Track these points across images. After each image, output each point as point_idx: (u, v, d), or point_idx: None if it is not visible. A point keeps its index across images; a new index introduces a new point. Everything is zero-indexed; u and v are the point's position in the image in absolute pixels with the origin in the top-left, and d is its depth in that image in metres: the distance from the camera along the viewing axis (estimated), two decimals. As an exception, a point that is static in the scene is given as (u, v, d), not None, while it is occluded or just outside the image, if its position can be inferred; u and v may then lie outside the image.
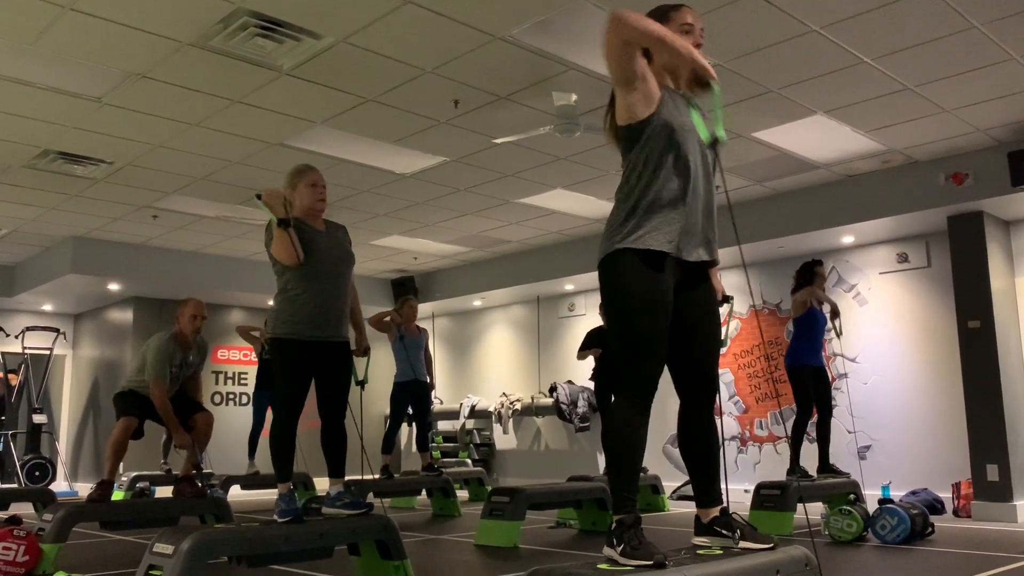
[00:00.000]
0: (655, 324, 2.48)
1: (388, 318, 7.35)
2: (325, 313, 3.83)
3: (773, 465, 8.20)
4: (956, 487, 6.80)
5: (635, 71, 2.47)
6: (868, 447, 7.61)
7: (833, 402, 6.45)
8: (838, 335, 6.44)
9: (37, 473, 9.98)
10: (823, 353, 6.50)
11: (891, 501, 5.32)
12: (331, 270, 3.87)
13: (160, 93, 5.25)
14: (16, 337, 10.65)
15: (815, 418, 6.27)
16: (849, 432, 7.59)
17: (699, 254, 2.56)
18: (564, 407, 9.81)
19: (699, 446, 2.63)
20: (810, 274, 6.41)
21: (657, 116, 2.52)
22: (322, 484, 5.34)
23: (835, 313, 6.34)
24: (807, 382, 6.18)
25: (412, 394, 7.37)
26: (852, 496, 5.98)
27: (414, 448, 11.39)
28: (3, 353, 10.74)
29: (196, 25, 4.40)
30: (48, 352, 10.94)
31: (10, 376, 10.76)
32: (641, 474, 3.60)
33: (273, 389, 7.90)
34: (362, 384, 4.03)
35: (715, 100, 2.50)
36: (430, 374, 7.73)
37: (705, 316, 2.63)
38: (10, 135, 5.95)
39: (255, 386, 8.39)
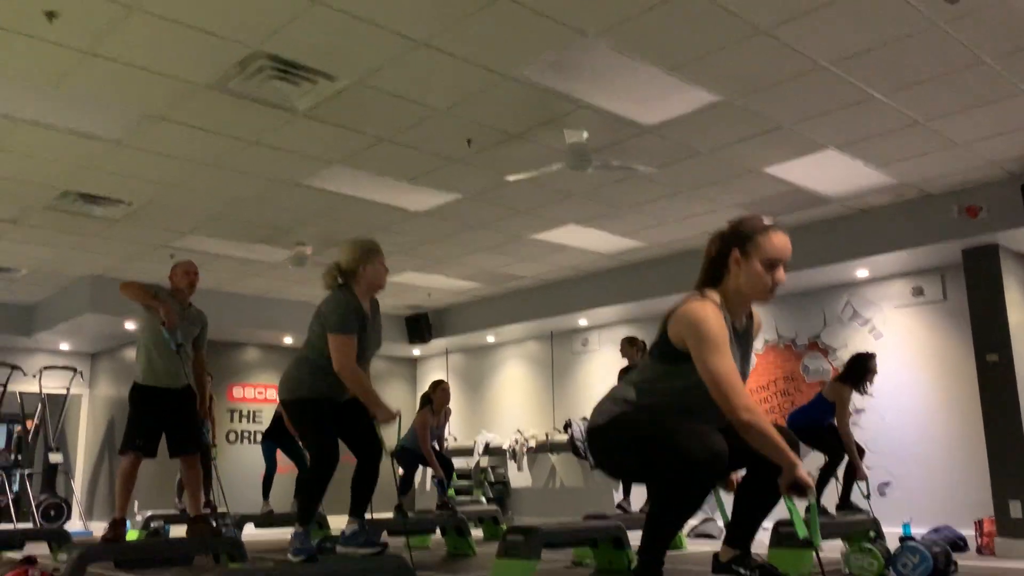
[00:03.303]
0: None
1: (427, 426, 7.26)
2: (344, 388, 3.95)
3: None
4: (979, 524, 6.68)
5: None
6: (887, 483, 7.50)
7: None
8: (866, 496, 6.21)
9: (52, 513, 9.97)
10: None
11: (912, 539, 5.23)
12: (365, 357, 3.99)
13: (178, 135, 5.34)
14: (34, 377, 10.72)
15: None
16: (868, 468, 7.49)
17: None
18: (579, 444, 9.73)
19: (762, 502, 2.61)
20: (863, 370, 6.21)
21: None
22: (336, 523, 5.30)
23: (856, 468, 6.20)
24: (824, 437, 6.13)
25: (419, 460, 7.40)
26: (872, 533, 5.88)
27: (428, 487, 11.31)
28: (21, 393, 10.80)
29: (214, 68, 4.49)
30: (65, 392, 11.00)
31: (27, 422, 10.79)
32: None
33: (280, 440, 7.97)
34: (392, 454, 4.02)
35: (812, 510, 2.42)
36: (440, 446, 7.73)
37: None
38: (31, 177, 6.05)
39: (264, 435, 8.44)
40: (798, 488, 2.34)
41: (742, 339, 2.60)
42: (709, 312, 2.44)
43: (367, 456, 3.98)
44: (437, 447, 7.56)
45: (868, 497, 6.25)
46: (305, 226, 7.34)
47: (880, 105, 5.09)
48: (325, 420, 3.91)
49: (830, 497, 6.27)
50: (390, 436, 4.04)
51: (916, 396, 7.52)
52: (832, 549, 6.20)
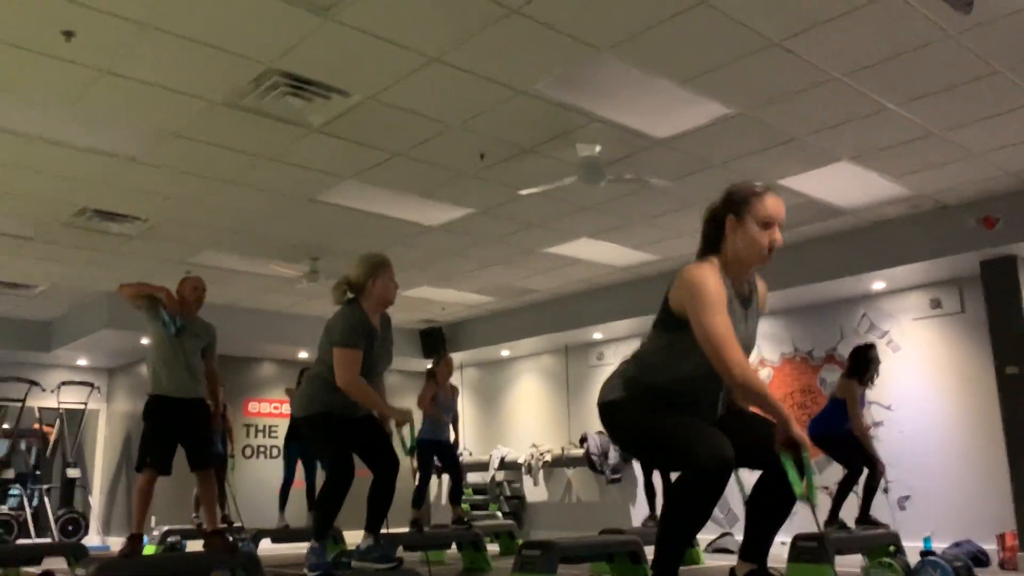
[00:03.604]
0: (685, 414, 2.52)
1: (431, 394, 7.34)
2: (359, 404, 3.95)
3: (809, 516, 7.99)
4: (1001, 538, 6.59)
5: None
6: (907, 497, 7.42)
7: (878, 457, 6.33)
8: (884, 490, 6.24)
9: (70, 527, 10.02)
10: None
11: (933, 553, 5.17)
12: (376, 372, 4.02)
13: (194, 151, 5.39)
14: (52, 392, 10.80)
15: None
16: (887, 482, 7.41)
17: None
18: (595, 458, 9.70)
19: (775, 510, 2.59)
20: (864, 361, 6.24)
21: None
22: (352, 538, 5.30)
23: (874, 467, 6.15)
24: (842, 446, 6.10)
25: (437, 452, 7.37)
26: (892, 548, 5.82)
27: (444, 501, 11.29)
28: (39, 408, 10.88)
29: (228, 85, 4.53)
30: (83, 407, 11.07)
31: (46, 428, 10.89)
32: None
33: (302, 444, 7.92)
34: (412, 451, 4.00)
35: (806, 466, 2.40)
36: (456, 431, 7.72)
37: (733, 416, 2.66)
38: (49, 194, 6.11)
39: (286, 438, 8.40)
40: (793, 445, 2.37)
41: (747, 305, 2.62)
42: (707, 274, 2.47)
43: (383, 471, 3.98)
44: (452, 430, 7.51)
45: (887, 491, 6.18)
46: (320, 241, 7.38)
47: (894, 116, 5.07)
48: (339, 435, 3.93)
49: (849, 511, 6.19)
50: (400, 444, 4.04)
51: (935, 409, 7.44)
52: (852, 564, 6.14)
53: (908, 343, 7.69)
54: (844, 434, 6.13)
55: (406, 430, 3.90)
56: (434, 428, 7.29)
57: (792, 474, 2.38)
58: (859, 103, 4.89)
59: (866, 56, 4.35)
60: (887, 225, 7.10)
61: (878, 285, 7.67)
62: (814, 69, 4.48)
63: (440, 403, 7.33)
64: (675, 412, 2.50)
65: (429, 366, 7.72)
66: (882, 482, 6.15)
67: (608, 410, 2.62)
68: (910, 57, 4.36)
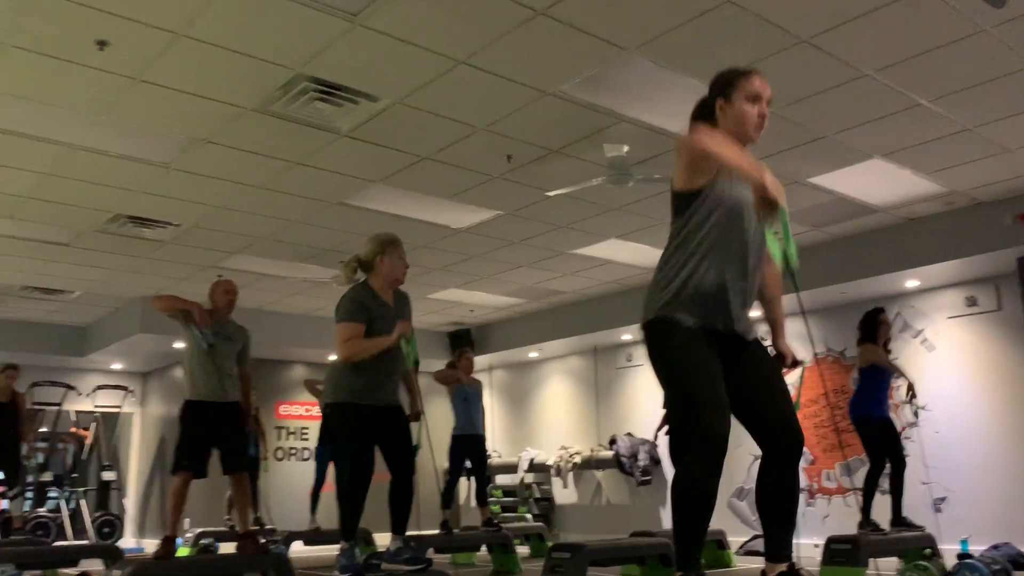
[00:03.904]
0: (709, 371, 2.48)
1: (457, 377, 7.36)
2: (383, 384, 4.00)
3: (843, 518, 7.91)
4: (1040, 541, 6.47)
5: (703, 167, 2.56)
6: (944, 499, 7.30)
7: (905, 452, 6.22)
8: (914, 414, 6.22)
9: (106, 529, 10.17)
10: (889, 403, 6.28)
11: (971, 556, 5.08)
12: (391, 350, 4.01)
13: (224, 157, 5.45)
14: (88, 396, 10.97)
15: (888, 470, 6.06)
16: (923, 483, 7.31)
17: (735, 329, 2.58)
18: (624, 460, 9.66)
19: (780, 499, 2.55)
20: (873, 324, 6.20)
21: (711, 187, 2.56)
22: (382, 540, 5.32)
23: (911, 390, 6.17)
24: (875, 433, 6.01)
25: (470, 447, 7.35)
26: (928, 550, 5.73)
27: (473, 503, 11.31)
28: (76, 411, 11.06)
29: (258, 92, 4.57)
30: (117, 410, 11.23)
31: (82, 431, 11.07)
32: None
33: (335, 445, 7.94)
34: (416, 449, 4.06)
35: (783, 221, 2.46)
36: (483, 418, 7.72)
37: (761, 366, 2.63)
38: (84, 201, 6.21)
39: (318, 441, 8.45)
40: (769, 202, 2.44)
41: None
42: (699, 128, 2.59)
43: (400, 470, 4.00)
44: (481, 426, 7.50)
45: (913, 398, 6.18)
46: (349, 245, 7.41)
47: (927, 112, 5.00)
48: (361, 427, 3.92)
49: (882, 513, 6.11)
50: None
51: (971, 409, 7.32)
52: (887, 567, 6.06)
53: (943, 342, 7.58)
54: (879, 420, 6.03)
55: (409, 344, 3.95)
56: (464, 424, 7.31)
57: (774, 245, 2.44)
58: (891, 100, 4.83)
59: (897, 52, 4.30)
60: (921, 223, 7.00)
61: (912, 283, 7.57)
62: (844, 66, 4.43)
63: (468, 397, 7.35)
64: (695, 354, 2.50)
65: (449, 360, 7.77)
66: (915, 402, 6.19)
67: (644, 333, 2.67)
68: (943, 52, 4.29)
